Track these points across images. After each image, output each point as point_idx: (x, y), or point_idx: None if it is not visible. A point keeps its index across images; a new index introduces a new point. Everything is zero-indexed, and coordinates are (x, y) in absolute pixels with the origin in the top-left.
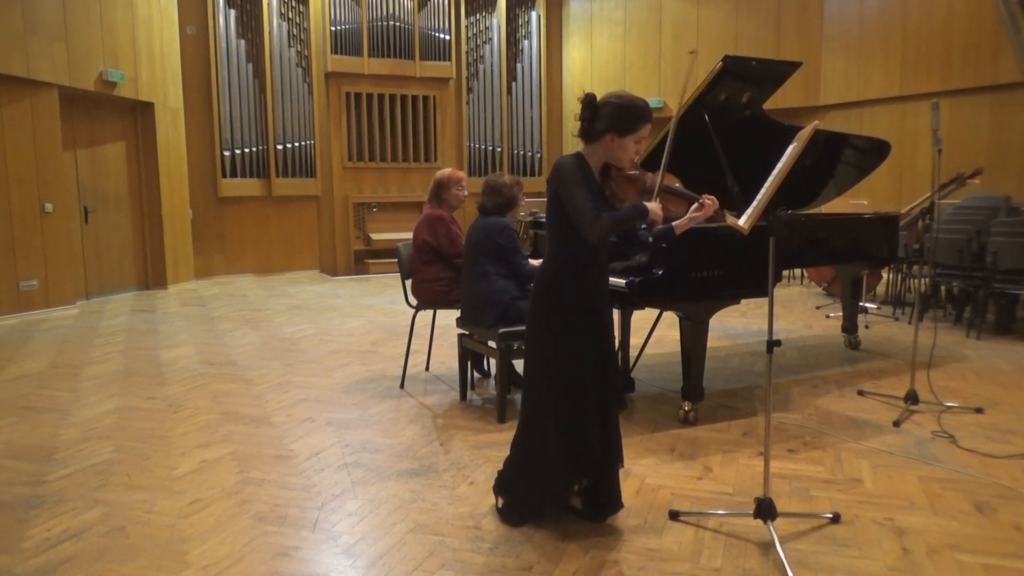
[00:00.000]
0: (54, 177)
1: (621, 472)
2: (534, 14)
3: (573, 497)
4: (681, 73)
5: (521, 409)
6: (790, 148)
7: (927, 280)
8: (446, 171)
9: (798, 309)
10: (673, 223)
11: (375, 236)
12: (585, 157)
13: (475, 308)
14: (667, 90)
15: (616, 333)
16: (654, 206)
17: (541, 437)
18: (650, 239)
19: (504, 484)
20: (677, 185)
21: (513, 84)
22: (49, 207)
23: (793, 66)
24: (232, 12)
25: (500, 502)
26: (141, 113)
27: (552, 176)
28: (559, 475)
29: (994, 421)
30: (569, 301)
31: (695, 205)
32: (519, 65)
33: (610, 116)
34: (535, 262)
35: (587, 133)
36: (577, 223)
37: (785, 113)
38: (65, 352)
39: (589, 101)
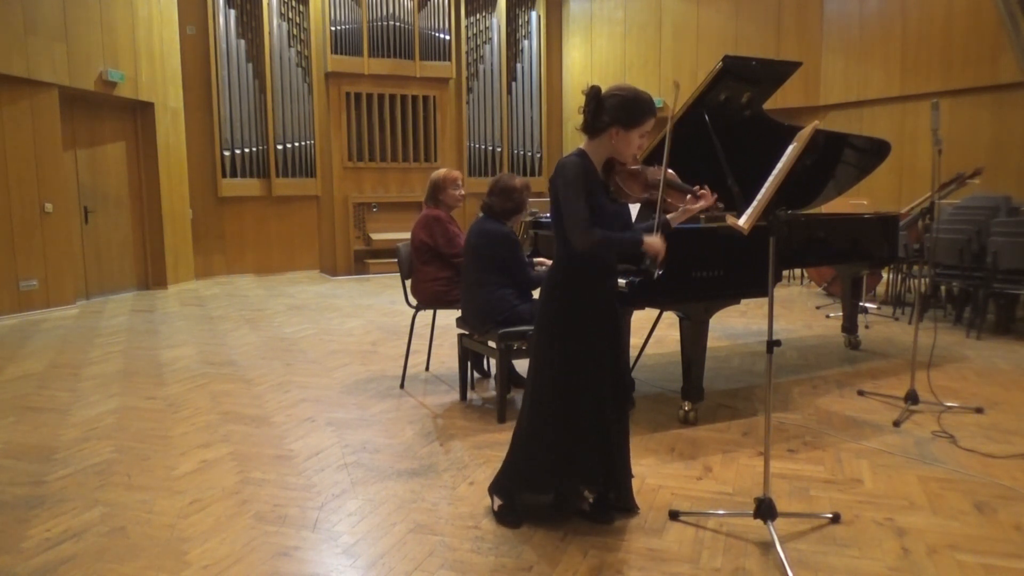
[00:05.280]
0: (54, 177)
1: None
2: (534, 14)
3: (583, 500)
4: (681, 72)
5: (523, 408)
6: (790, 148)
7: (927, 280)
8: (441, 171)
9: (798, 309)
10: (668, 215)
11: (375, 236)
12: (587, 154)
13: (474, 316)
14: (667, 90)
15: None
16: (652, 241)
17: (541, 439)
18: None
19: (501, 485)
20: (676, 180)
21: (513, 84)
22: (49, 207)
23: (793, 66)
24: (232, 12)
25: (496, 504)
26: (141, 113)
27: (555, 175)
28: (556, 478)
29: (994, 421)
30: (580, 301)
31: (690, 197)
32: (519, 65)
33: (615, 109)
34: (543, 261)
35: (591, 127)
36: (568, 227)
37: (785, 113)
38: (65, 352)
39: (594, 94)
